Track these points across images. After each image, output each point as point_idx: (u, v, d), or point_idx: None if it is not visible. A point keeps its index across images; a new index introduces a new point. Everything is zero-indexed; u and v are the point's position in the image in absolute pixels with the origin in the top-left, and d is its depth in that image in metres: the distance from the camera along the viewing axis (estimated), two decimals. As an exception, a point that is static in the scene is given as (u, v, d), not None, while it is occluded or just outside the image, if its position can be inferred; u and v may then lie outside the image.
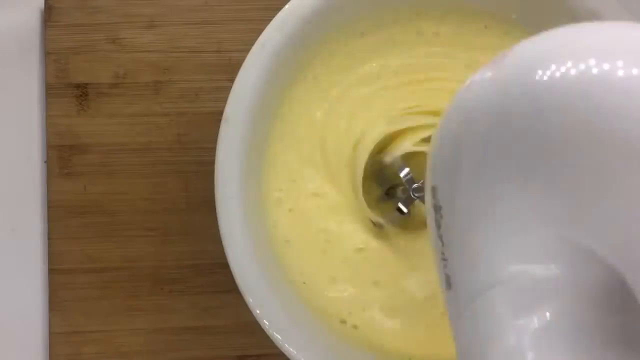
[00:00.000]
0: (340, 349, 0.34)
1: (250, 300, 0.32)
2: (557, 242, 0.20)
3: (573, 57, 0.19)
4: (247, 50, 0.33)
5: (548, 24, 0.36)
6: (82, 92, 0.40)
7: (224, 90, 0.34)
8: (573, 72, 0.19)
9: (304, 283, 0.35)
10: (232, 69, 0.41)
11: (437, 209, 0.23)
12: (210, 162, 0.33)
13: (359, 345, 0.34)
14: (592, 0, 0.35)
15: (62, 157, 0.40)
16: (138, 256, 0.40)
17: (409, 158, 0.36)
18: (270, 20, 0.33)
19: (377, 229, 0.36)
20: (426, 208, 0.25)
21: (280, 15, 0.33)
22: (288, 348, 0.32)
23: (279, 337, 0.32)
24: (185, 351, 0.40)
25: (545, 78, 0.19)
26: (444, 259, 0.23)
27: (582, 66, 0.19)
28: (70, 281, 0.40)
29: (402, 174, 0.35)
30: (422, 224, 0.37)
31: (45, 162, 0.40)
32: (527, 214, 0.21)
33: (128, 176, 0.40)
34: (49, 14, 0.41)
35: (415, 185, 0.35)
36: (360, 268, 0.35)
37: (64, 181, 0.40)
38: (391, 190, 0.38)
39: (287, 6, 0.33)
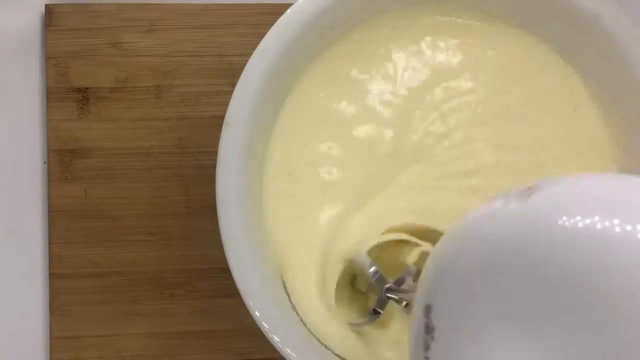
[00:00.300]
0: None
1: (250, 303, 0.32)
2: None
3: (602, 212, 0.19)
4: (248, 55, 0.33)
5: (548, 25, 0.36)
6: (83, 97, 0.40)
7: (225, 95, 0.34)
8: (599, 226, 0.19)
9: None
10: (232, 74, 0.41)
11: (429, 329, 0.22)
12: (211, 167, 0.33)
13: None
14: (593, 3, 0.35)
15: (62, 161, 0.40)
16: (139, 260, 0.40)
17: (374, 253, 0.34)
18: (272, 24, 0.33)
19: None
20: (412, 322, 0.24)
21: (282, 20, 0.33)
22: (287, 351, 0.32)
23: (278, 340, 0.32)
24: (186, 355, 0.40)
25: (568, 225, 0.19)
26: None
27: (607, 223, 0.19)
28: (70, 285, 0.40)
29: (370, 272, 0.33)
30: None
31: (45, 163, 0.40)
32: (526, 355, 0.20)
33: (129, 180, 0.40)
34: (49, 18, 0.41)
35: (387, 286, 0.33)
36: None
37: (65, 185, 0.40)
38: (356, 284, 0.36)
39: (288, 11, 0.33)
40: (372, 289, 0.34)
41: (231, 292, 0.33)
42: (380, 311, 0.33)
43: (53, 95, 0.40)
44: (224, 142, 0.33)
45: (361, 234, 0.34)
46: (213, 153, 0.33)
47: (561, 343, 0.19)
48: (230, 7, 0.42)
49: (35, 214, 0.40)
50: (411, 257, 0.34)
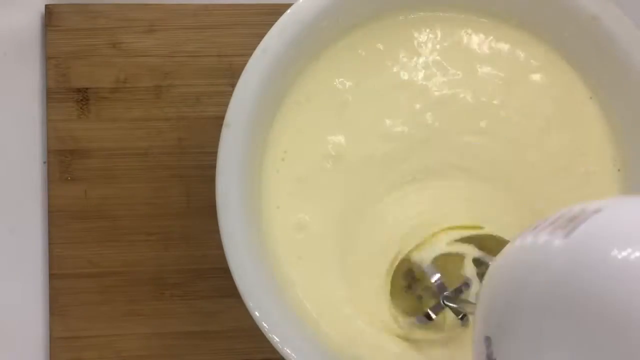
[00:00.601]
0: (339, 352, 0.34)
1: (250, 304, 0.32)
2: None
3: None
4: (248, 55, 0.33)
5: (548, 25, 0.36)
6: (83, 97, 0.40)
7: (225, 95, 0.34)
8: None
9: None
10: (232, 74, 0.41)
11: None
12: (211, 167, 0.33)
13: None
14: (592, 4, 0.35)
15: (62, 161, 0.40)
16: (139, 261, 0.40)
17: (439, 260, 0.35)
18: (271, 25, 0.33)
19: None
20: (473, 348, 0.24)
21: (281, 20, 0.33)
22: (287, 351, 0.32)
23: (278, 340, 0.32)
24: (185, 356, 0.40)
25: (619, 257, 0.19)
26: None
27: None
28: (71, 286, 0.40)
29: (432, 279, 0.34)
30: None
31: (45, 163, 0.40)
32: None
33: (129, 181, 0.40)
34: (49, 19, 0.41)
35: (446, 293, 0.33)
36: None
37: (65, 186, 0.40)
38: (414, 285, 0.37)
39: (288, 11, 0.33)
40: (428, 292, 0.35)
41: (231, 292, 0.33)
42: (434, 317, 0.34)
43: (53, 95, 0.40)
44: (224, 143, 0.33)
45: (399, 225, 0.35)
46: (213, 153, 0.33)
47: None
48: (230, 8, 0.42)
49: (35, 214, 0.40)
50: (468, 268, 0.34)
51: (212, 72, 0.41)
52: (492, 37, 0.38)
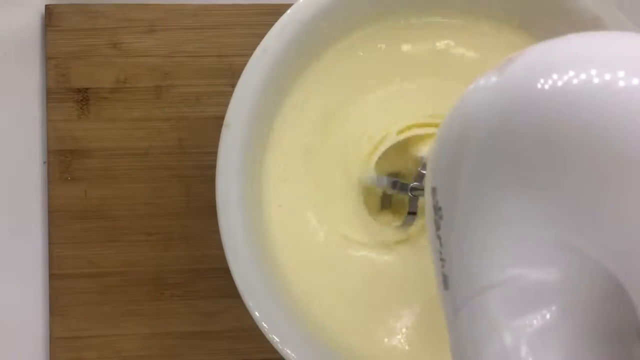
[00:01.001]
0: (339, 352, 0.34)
1: (250, 304, 0.32)
2: (556, 247, 0.20)
3: (575, 67, 0.19)
4: (248, 55, 0.33)
5: (548, 27, 0.36)
6: (83, 97, 0.40)
7: (225, 95, 0.34)
8: (575, 81, 0.19)
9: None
10: (232, 74, 0.41)
11: (437, 209, 0.23)
12: (211, 167, 0.33)
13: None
14: (592, 5, 0.35)
15: (62, 161, 0.40)
16: (139, 261, 0.40)
17: (383, 164, 0.36)
18: (271, 25, 0.33)
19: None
20: (426, 208, 0.25)
21: (281, 20, 0.33)
22: (287, 351, 0.32)
23: (278, 340, 0.32)
24: (185, 356, 0.40)
25: (547, 87, 0.20)
26: (442, 259, 0.23)
27: (583, 76, 0.19)
28: (71, 286, 0.40)
29: (386, 184, 0.35)
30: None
31: (45, 163, 0.40)
32: (527, 219, 0.21)
33: (129, 181, 0.40)
34: (49, 19, 0.41)
35: (412, 185, 0.34)
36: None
37: (65, 186, 0.40)
38: (386, 197, 0.37)
39: (288, 11, 0.33)
40: (399, 197, 0.36)
41: (231, 292, 0.33)
42: (415, 211, 0.34)
43: (53, 95, 0.40)
44: (224, 143, 0.33)
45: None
46: (213, 153, 0.33)
47: (561, 196, 0.20)
48: (230, 8, 0.42)
49: (35, 214, 0.40)
50: (425, 149, 0.35)
51: (212, 72, 0.41)
52: (491, 39, 0.37)
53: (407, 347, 0.35)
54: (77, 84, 0.40)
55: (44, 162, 0.41)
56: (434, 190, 0.24)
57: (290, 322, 0.33)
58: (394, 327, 0.35)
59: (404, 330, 0.35)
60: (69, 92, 0.40)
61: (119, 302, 0.40)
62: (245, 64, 0.33)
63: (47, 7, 0.41)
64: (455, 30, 0.37)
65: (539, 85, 0.20)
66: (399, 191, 0.35)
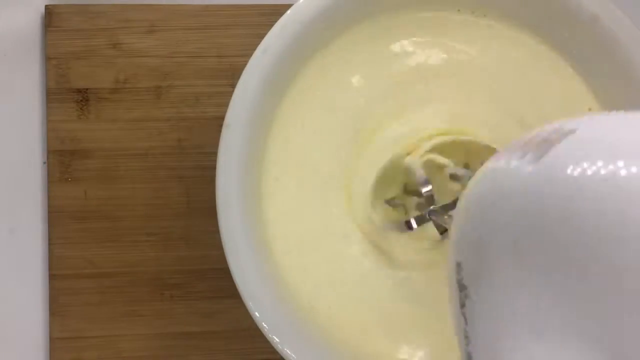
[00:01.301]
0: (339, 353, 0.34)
1: (250, 304, 0.32)
2: (581, 346, 0.19)
3: (620, 158, 0.19)
4: (248, 56, 0.33)
5: (548, 26, 0.36)
6: (83, 97, 0.40)
7: (225, 95, 0.34)
8: (623, 172, 0.18)
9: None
10: (232, 74, 0.41)
11: (462, 287, 0.22)
12: (211, 167, 0.33)
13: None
14: (593, 3, 0.35)
15: (62, 162, 0.40)
16: (139, 261, 0.40)
17: (431, 169, 0.34)
18: (271, 25, 0.33)
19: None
20: (449, 282, 0.24)
21: (281, 21, 0.33)
22: (287, 351, 0.32)
23: (277, 340, 0.32)
24: (186, 356, 0.40)
25: (587, 175, 0.19)
26: (467, 337, 0.22)
27: (630, 169, 0.18)
28: (71, 286, 0.40)
29: (423, 189, 0.33)
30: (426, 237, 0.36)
31: (44, 163, 0.40)
32: (556, 318, 0.20)
33: (129, 181, 0.40)
34: (49, 19, 0.41)
35: (432, 207, 0.32)
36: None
37: (65, 186, 0.40)
38: (396, 198, 0.37)
39: (288, 12, 0.33)
40: (412, 202, 0.35)
41: (231, 292, 0.33)
42: (415, 227, 0.33)
43: (53, 95, 0.40)
44: (224, 143, 0.33)
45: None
46: (213, 154, 0.33)
47: (577, 291, 0.19)
48: (230, 8, 0.42)
49: (35, 214, 0.40)
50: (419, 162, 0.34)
51: (212, 73, 0.41)
52: (490, 37, 0.37)
53: (407, 346, 0.35)
54: (77, 84, 0.40)
55: (44, 163, 0.41)
56: (459, 265, 0.23)
57: (290, 323, 0.33)
58: (394, 327, 0.35)
59: (404, 330, 0.36)
60: (69, 93, 0.40)
61: (118, 302, 0.40)
62: (245, 64, 0.33)
63: (47, 7, 0.41)
64: (455, 26, 0.37)
65: (569, 172, 0.19)
66: (419, 203, 0.34)
